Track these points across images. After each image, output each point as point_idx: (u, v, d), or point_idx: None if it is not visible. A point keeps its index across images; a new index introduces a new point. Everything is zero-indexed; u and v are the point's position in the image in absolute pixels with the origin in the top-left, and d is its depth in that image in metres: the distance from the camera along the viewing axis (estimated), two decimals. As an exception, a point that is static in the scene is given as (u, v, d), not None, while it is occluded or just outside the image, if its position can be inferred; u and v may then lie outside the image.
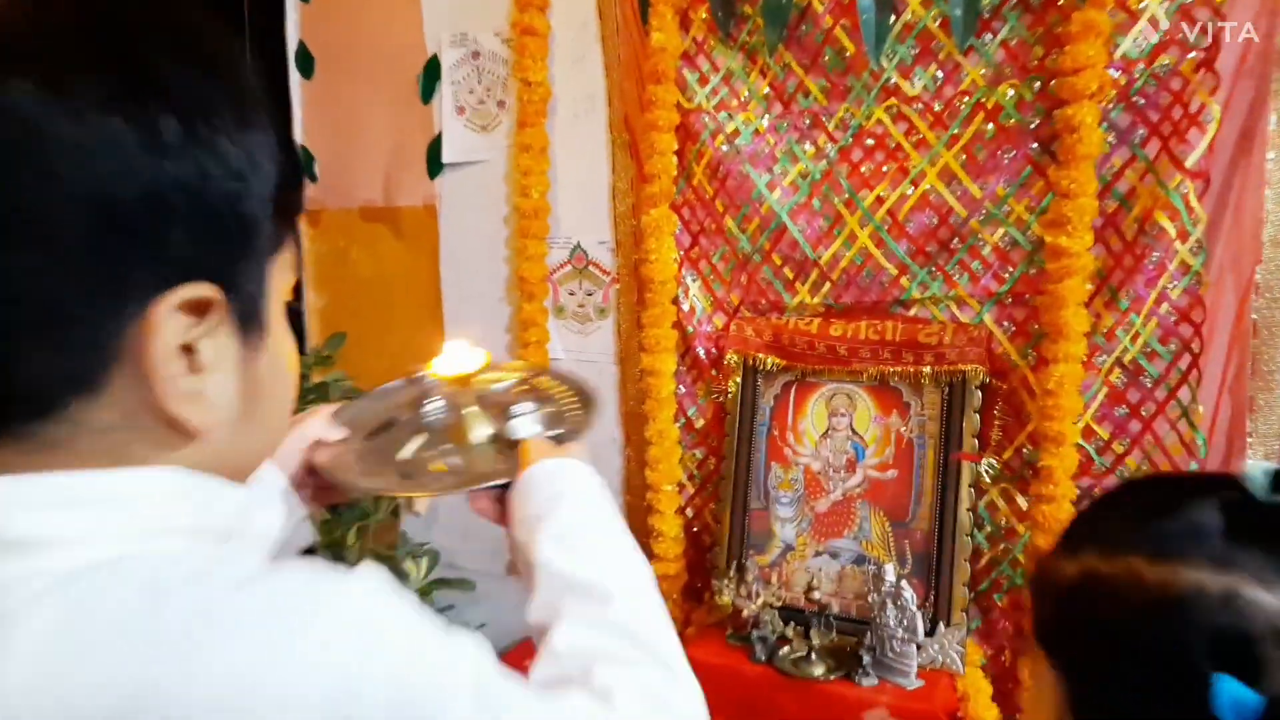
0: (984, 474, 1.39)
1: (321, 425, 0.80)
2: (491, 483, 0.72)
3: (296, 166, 0.48)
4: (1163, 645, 0.51)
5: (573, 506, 0.67)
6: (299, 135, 1.99)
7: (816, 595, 1.40)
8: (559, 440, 0.76)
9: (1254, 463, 1.25)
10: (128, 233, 0.39)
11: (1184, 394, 1.27)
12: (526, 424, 0.77)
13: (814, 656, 1.38)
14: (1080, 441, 1.30)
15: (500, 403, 0.81)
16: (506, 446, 0.76)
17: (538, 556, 0.63)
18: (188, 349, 0.42)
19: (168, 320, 0.40)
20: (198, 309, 0.42)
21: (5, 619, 0.36)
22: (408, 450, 0.79)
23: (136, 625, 0.36)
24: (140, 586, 0.38)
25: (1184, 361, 1.27)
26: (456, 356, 0.81)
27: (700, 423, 1.64)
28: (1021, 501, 1.38)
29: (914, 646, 1.32)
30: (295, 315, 2.04)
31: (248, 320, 0.45)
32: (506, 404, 0.80)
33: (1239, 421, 1.25)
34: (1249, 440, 1.26)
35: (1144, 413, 1.30)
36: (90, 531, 0.40)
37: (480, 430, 0.79)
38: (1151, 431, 1.30)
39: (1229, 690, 0.48)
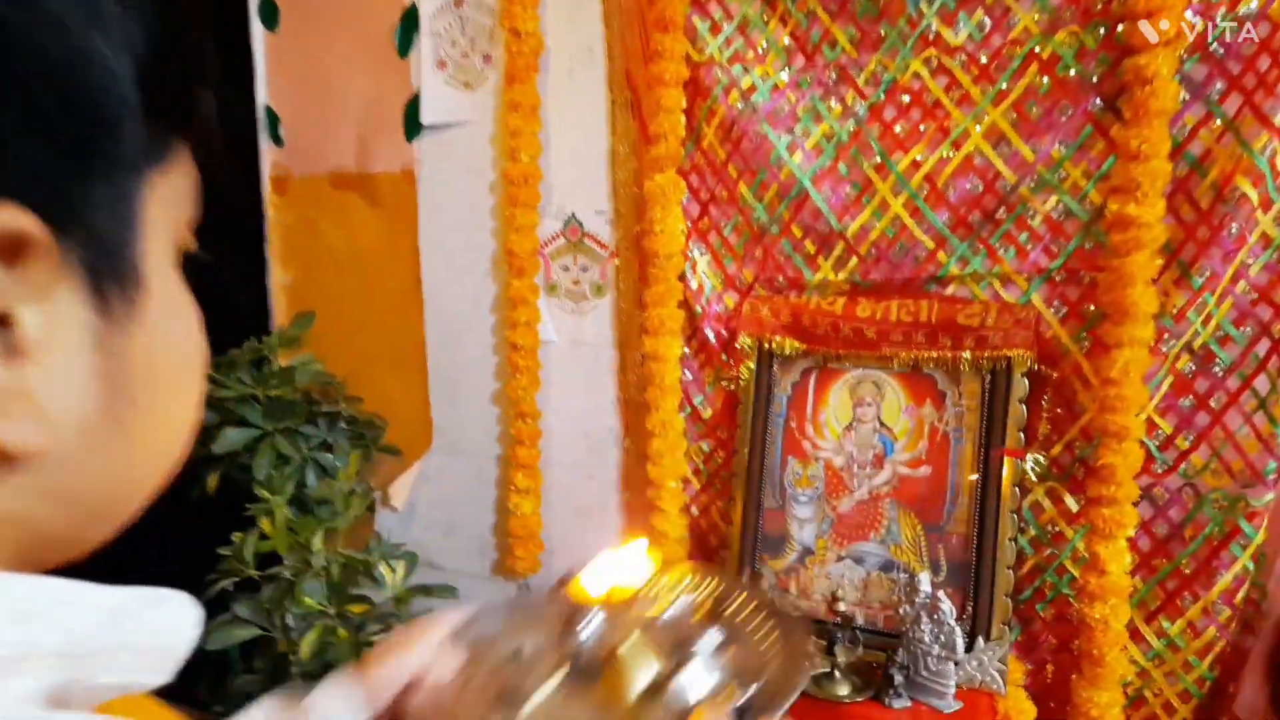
0: (1029, 472, 1.24)
1: (437, 647, 0.57)
2: None
3: (194, 40, 0.32)
4: None
5: None
6: (262, 94, 1.81)
7: (842, 606, 1.26)
8: (747, 715, 0.54)
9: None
10: None
11: (1261, 383, 1.13)
12: (698, 683, 0.54)
13: (838, 674, 1.24)
14: (1140, 436, 1.16)
15: (672, 639, 0.58)
16: (675, 710, 0.54)
17: None
18: None
19: None
20: (4, 252, 0.25)
21: None
22: (533, 704, 0.55)
23: None
24: None
25: (1262, 347, 1.13)
26: (618, 561, 0.60)
27: (708, 413, 1.49)
28: (1071, 502, 1.24)
29: (952, 665, 1.18)
30: (258, 293, 1.86)
31: (105, 272, 0.29)
32: (680, 641, 0.58)
33: (1325, 415, 1.11)
34: (1333, 436, 1.12)
35: (1213, 404, 1.16)
36: None
37: (638, 680, 0.55)
38: (1222, 425, 1.15)
39: None
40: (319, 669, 1.40)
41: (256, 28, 1.79)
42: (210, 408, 1.61)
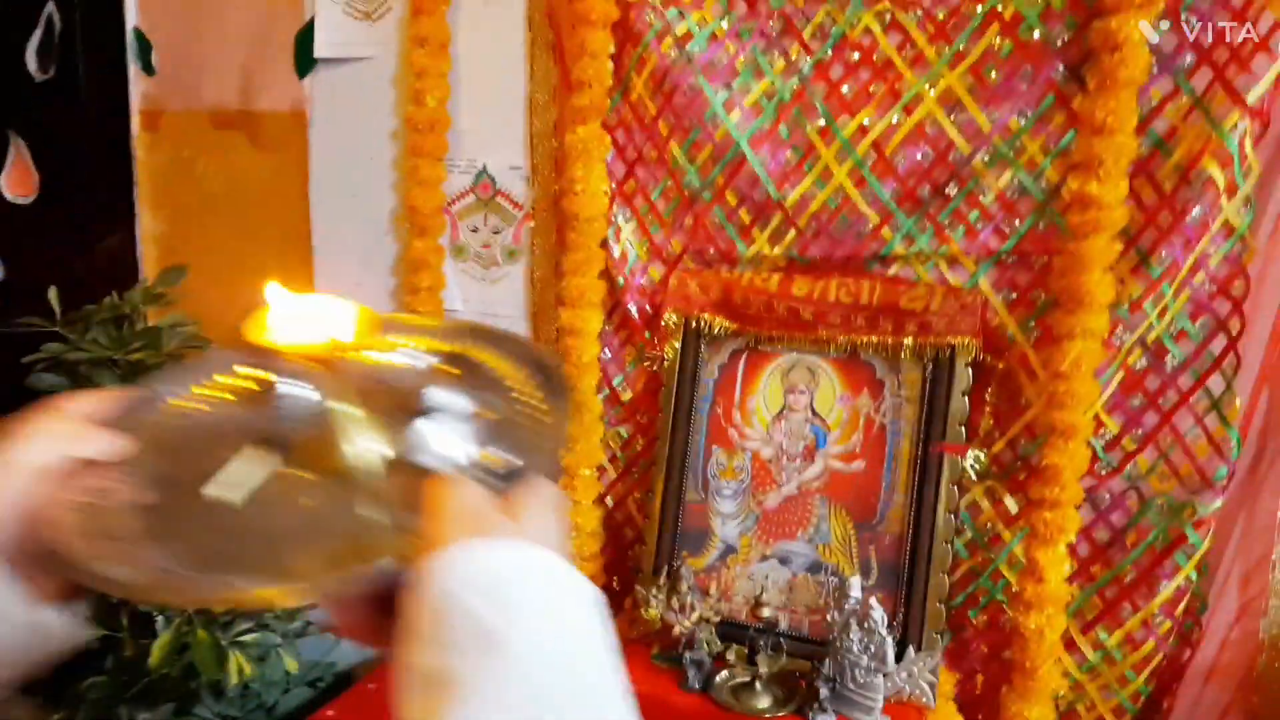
0: (969, 470, 1.15)
1: (73, 434, 0.42)
2: (369, 573, 0.38)
3: None
4: None
5: (521, 677, 0.32)
6: (132, 14, 1.59)
7: (765, 611, 1.15)
8: (507, 481, 0.41)
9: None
10: None
11: (1215, 382, 1.06)
12: (444, 442, 0.42)
13: (759, 686, 1.14)
14: (1088, 436, 1.08)
15: (405, 396, 0.45)
16: (413, 480, 0.40)
17: None
18: None
19: None
20: None
21: None
22: (223, 486, 0.41)
23: None
24: None
25: (1218, 344, 1.06)
26: (318, 309, 0.45)
27: (628, 395, 1.37)
28: (1010, 503, 1.16)
29: (881, 677, 1.09)
30: (125, 241, 1.65)
31: None
32: (415, 398, 0.44)
33: None
34: (1290, 442, 1.06)
35: (1163, 403, 1.09)
36: None
37: (364, 449, 0.41)
38: (1171, 426, 1.08)
39: None
40: (180, 672, 1.23)
41: (125, -64, 1.57)
42: (60, 371, 1.40)
